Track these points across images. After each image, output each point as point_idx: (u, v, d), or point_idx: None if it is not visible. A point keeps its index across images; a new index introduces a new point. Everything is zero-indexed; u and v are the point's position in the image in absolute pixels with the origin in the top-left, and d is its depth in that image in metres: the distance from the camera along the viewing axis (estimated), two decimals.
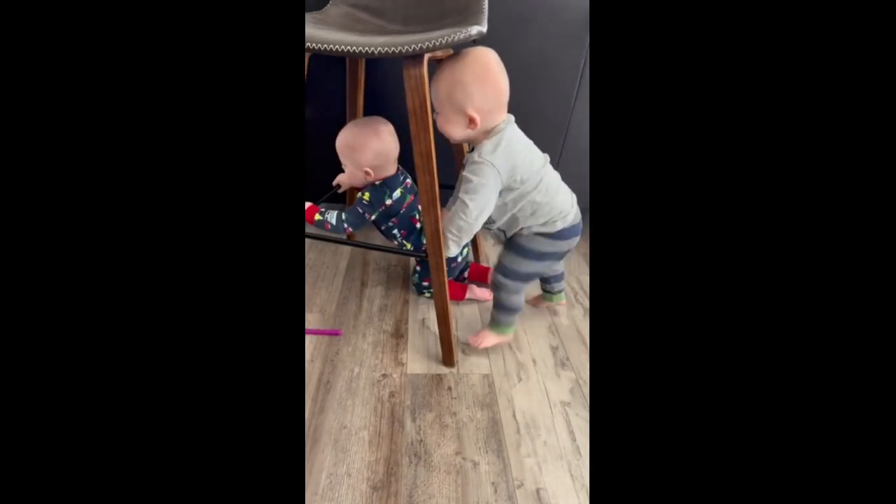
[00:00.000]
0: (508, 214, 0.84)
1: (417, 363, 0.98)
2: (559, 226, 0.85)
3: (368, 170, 0.99)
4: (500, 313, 0.96)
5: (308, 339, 1.02)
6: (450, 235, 0.82)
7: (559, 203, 0.84)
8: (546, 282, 1.09)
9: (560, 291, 1.10)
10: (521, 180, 0.79)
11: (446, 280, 0.90)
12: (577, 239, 0.89)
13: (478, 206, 0.78)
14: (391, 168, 1.02)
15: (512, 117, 0.80)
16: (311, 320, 1.09)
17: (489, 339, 0.98)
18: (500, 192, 0.79)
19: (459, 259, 1.13)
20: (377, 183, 1.02)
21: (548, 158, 0.85)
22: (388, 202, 1.02)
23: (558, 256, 0.90)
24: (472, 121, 0.75)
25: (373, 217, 1.03)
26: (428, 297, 1.17)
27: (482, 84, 0.73)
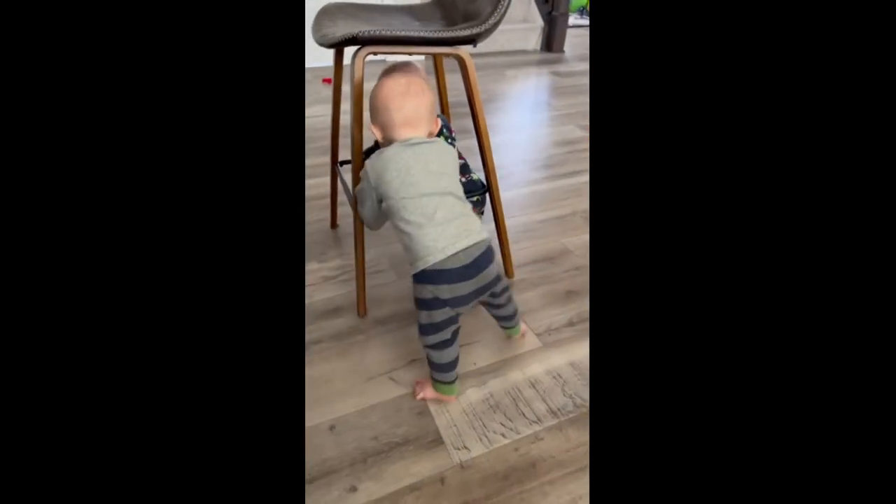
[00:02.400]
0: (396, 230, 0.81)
1: None
2: (419, 266, 0.75)
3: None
4: (431, 370, 0.85)
5: None
6: None
7: (428, 239, 0.75)
8: (497, 318, 0.96)
9: (513, 326, 0.97)
10: (389, 195, 0.78)
11: None
12: (467, 285, 0.75)
13: (359, 199, 0.87)
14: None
15: (415, 138, 0.80)
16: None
17: (428, 391, 0.88)
18: (381, 198, 0.82)
19: None
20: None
21: (455, 196, 0.78)
22: None
23: (456, 303, 0.77)
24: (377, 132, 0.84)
25: None
26: None
27: (382, 108, 0.81)
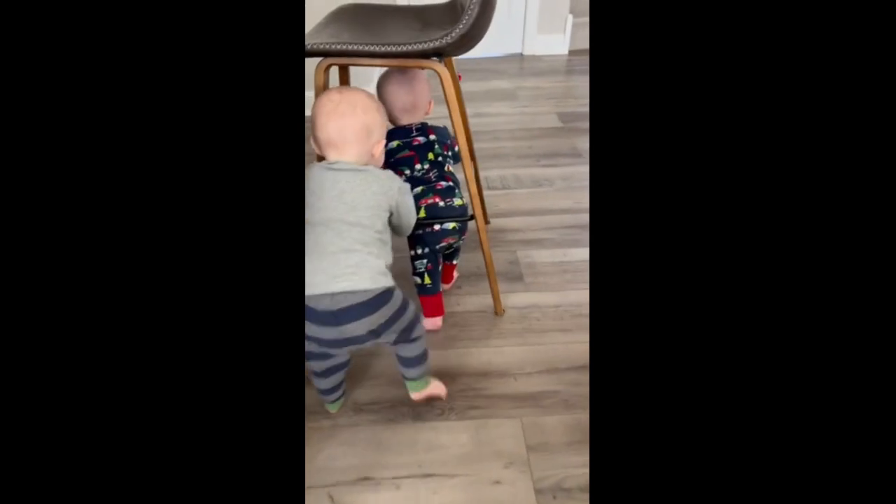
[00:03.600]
0: None
1: None
2: (309, 292, 0.69)
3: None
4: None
5: None
6: None
7: (308, 271, 0.70)
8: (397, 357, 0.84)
9: (412, 379, 0.83)
10: (308, 209, 0.77)
11: None
12: (328, 331, 0.70)
13: None
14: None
15: (341, 163, 0.77)
16: None
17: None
18: None
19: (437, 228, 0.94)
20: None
21: (361, 232, 0.73)
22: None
23: (321, 343, 0.72)
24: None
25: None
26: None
27: (312, 124, 0.79)
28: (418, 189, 0.91)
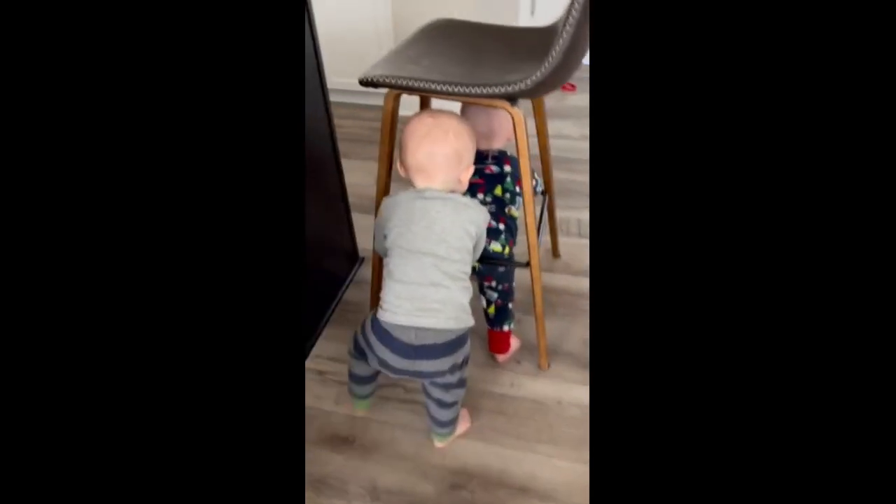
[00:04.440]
0: None
1: None
2: (379, 314, 0.72)
3: None
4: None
5: None
6: None
7: (391, 295, 0.72)
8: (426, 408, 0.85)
9: (438, 434, 0.84)
10: (389, 237, 0.76)
11: None
12: (400, 361, 0.71)
13: (375, 230, 0.84)
14: None
15: (431, 191, 0.75)
16: None
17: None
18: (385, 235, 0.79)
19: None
20: None
21: (442, 266, 0.72)
22: None
23: (381, 364, 0.74)
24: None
25: None
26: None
27: (402, 147, 0.77)
28: None
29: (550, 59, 0.66)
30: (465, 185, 0.80)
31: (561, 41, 0.64)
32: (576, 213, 1.40)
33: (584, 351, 1.03)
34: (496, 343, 0.99)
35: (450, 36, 0.94)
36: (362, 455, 0.86)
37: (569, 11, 0.62)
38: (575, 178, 1.53)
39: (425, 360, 0.71)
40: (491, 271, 0.91)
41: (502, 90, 0.70)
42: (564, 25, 0.63)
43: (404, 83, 0.73)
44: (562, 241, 1.25)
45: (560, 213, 1.37)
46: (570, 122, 1.82)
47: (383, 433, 0.90)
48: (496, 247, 0.89)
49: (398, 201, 0.76)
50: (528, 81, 0.68)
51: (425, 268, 0.71)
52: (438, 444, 0.86)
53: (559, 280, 1.18)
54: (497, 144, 0.93)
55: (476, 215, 0.76)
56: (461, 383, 0.78)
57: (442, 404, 0.79)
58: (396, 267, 0.73)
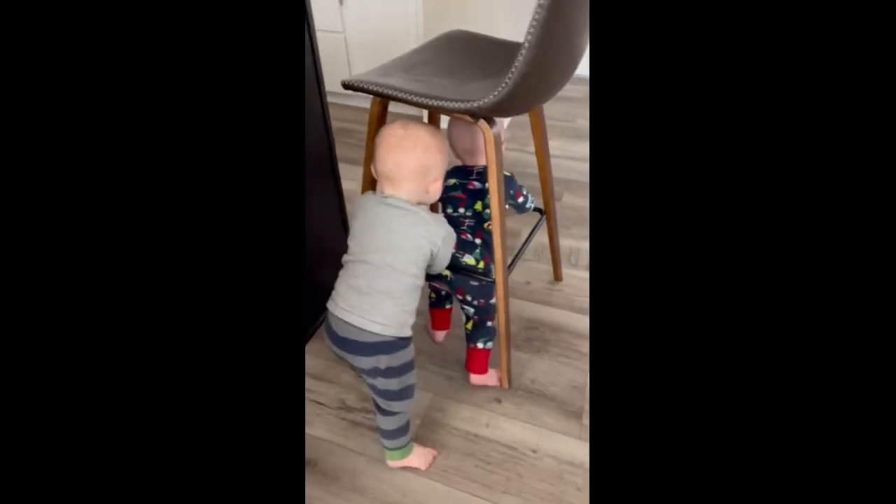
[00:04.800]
0: None
1: None
2: (330, 306, 0.76)
3: None
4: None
5: None
6: None
7: (342, 280, 0.76)
8: None
9: (387, 448, 0.85)
10: (351, 233, 0.79)
11: None
12: (336, 349, 0.76)
13: None
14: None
15: (395, 199, 0.76)
16: None
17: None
18: None
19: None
20: None
21: (391, 275, 0.74)
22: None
23: (335, 353, 0.79)
24: None
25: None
26: None
27: (374, 153, 0.78)
28: None
29: (506, 82, 0.61)
30: (434, 197, 0.80)
31: (517, 64, 0.59)
32: (585, 243, 1.32)
33: (572, 397, 0.95)
34: (471, 361, 0.99)
35: (456, 49, 0.94)
36: (320, 482, 0.83)
37: (525, 36, 0.57)
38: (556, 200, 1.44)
39: (347, 353, 0.75)
40: (462, 283, 0.91)
41: (461, 105, 0.66)
42: (521, 49, 0.58)
43: (375, 89, 0.76)
44: (567, 272, 1.17)
45: (569, 242, 1.28)
46: (587, 143, 1.73)
47: (346, 460, 0.86)
48: (469, 260, 0.89)
49: (364, 203, 0.78)
50: (484, 101, 0.64)
51: (369, 272, 0.73)
52: (389, 461, 0.87)
53: (557, 315, 1.10)
54: (482, 160, 0.93)
55: (434, 232, 0.76)
56: (401, 395, 0.79)
57: (383, 411, 0.82)
58: (347, 263, 0.76)
